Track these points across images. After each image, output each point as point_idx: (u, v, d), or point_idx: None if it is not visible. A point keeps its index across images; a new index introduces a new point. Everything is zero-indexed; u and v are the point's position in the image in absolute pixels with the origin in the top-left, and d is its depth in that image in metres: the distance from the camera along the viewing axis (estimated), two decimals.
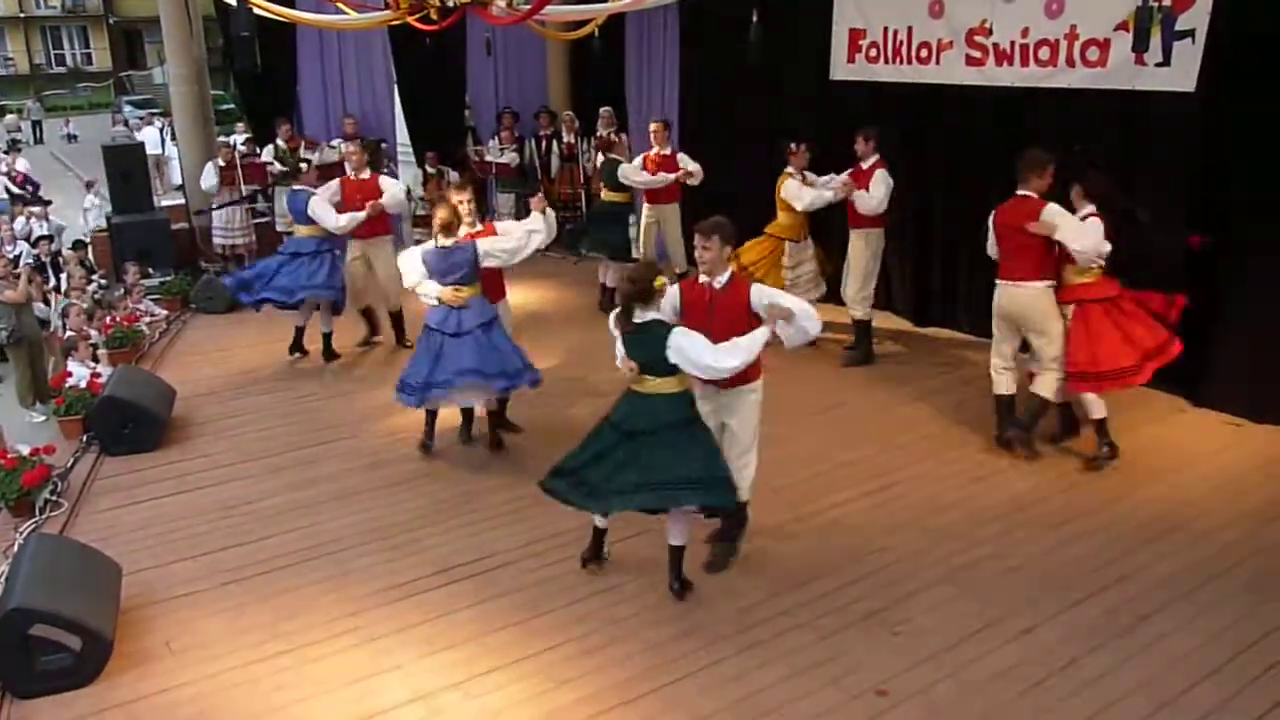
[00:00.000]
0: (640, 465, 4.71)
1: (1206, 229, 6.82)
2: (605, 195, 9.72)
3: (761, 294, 4.94)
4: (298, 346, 8.60)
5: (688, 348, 4.65)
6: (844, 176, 7.98)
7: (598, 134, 10.61)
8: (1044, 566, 5.24)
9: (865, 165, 7.88)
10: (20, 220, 13.93)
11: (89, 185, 16.25)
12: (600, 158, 9.91)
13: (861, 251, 8.03)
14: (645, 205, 9.60)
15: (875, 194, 7.76)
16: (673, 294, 5.10)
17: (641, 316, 4.78)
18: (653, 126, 9.54)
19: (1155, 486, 6.01)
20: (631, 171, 9.29)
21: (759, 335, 4.72)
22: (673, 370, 4.74)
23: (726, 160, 10.09)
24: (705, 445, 4.84)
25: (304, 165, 8.90)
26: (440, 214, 6.23)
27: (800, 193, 7.98)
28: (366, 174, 8.47)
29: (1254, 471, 6.25)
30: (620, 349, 4.91)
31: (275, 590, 5.13)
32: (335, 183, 8.47)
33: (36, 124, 33.80)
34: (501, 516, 5.86)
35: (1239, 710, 4.14)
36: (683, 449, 4.72)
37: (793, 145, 8.15)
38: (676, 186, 9.33)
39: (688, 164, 9.11)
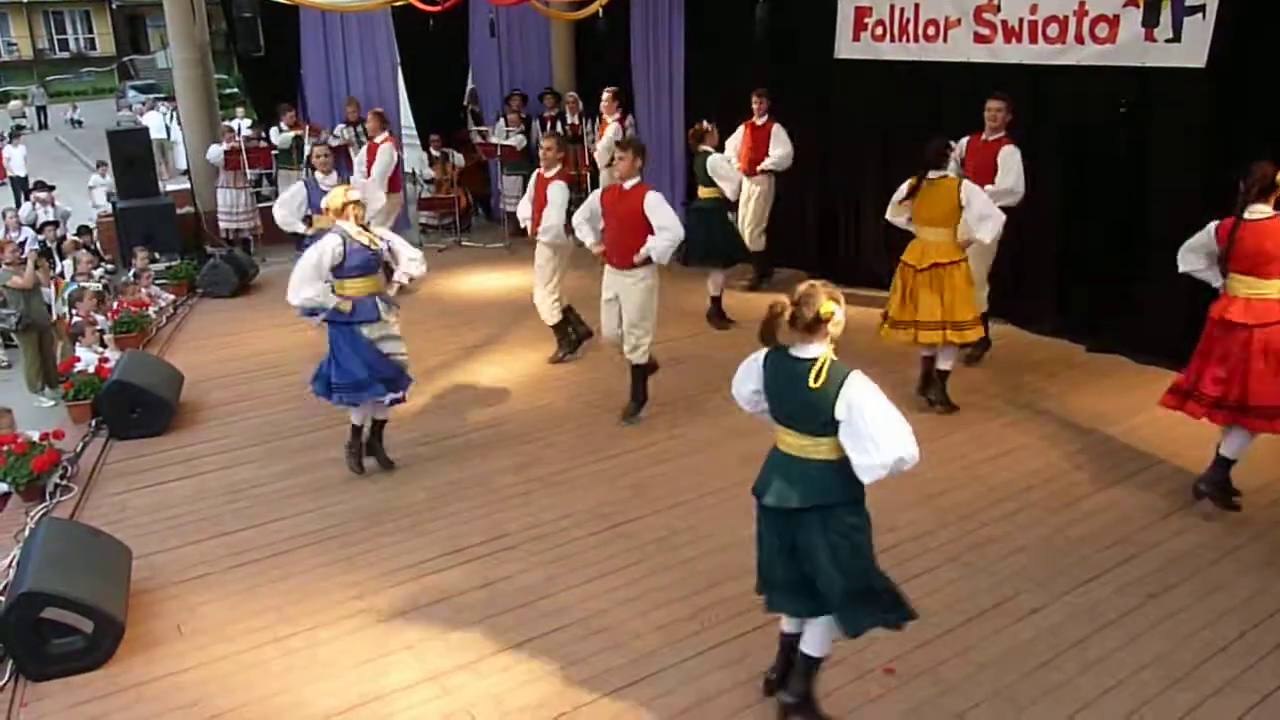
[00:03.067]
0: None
1: (1217, 208, 6.78)
2: (702, 193, 8.63)
3: (652, 204, 6.36)
4: None
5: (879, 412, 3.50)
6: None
7: (602, 115, 10.57)
8: (1053, 545, 5.24)
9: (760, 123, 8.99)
10: (26, 206, 13.95)
11: (99, 165, 16.23)
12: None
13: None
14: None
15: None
16: (594, 198, 6.71)
17: (802, 350, 3.62)
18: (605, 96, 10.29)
19: (1166, 464, 5.99)
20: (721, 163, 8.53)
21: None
22: (833, 430, 3.56)
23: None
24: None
25: (322, 155, 8.49)
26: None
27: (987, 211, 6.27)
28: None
29: (1264, 449, 6.17)
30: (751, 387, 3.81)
31: (285, 572, 5.15)
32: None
33: (41, 109, 33.83)
34: (510, 499, 5.87)
35: (1249, 687, 4.14)
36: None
37: (951, 143, 6.52)
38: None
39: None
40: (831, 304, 3.53)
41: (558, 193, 7.36)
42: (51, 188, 14.39)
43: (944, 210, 6.29)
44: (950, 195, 6.24)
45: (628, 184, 6.48)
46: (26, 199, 15.41)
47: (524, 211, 7.76)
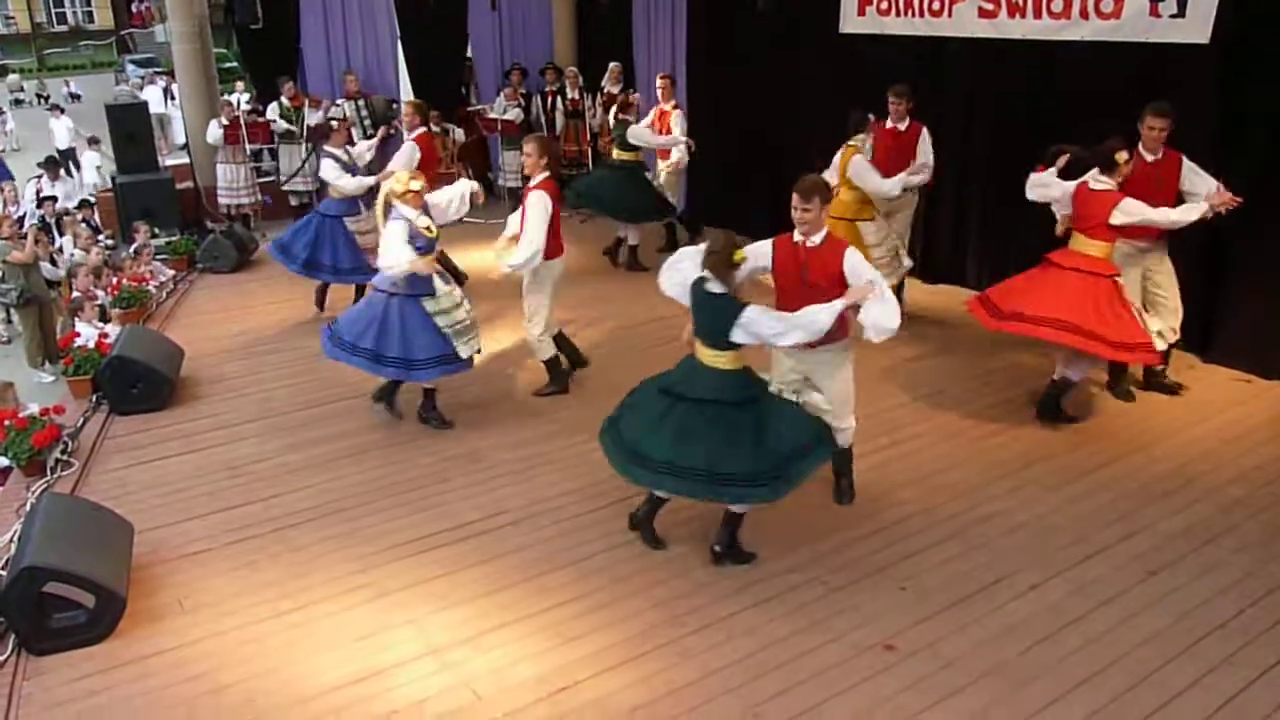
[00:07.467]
0: (695, 442, 4.52)
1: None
2: (616, 154, 9.63)
3: (854, 265, 4.78)
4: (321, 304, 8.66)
5: (754, 321, 4.52)
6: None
7: (604, 90, 10.54)
8: (1052, 522, 5.25)
9: (902, 127, 7.62)
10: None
11: (92, 142, 16.23)
12: (612, 118, 9.85)
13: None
14: (660, 159, 9.89)
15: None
16: (764, 249, 4.96)
17: (715, 288, 4.61)
18: (658, 82, 9.54)
19: (1164, 443, 6.01)
20: (640, 131, 9.38)
21: (822, 316, 4.55)
22: (733, 346, 4.61)
23: (735, 115, 10.03)
24: (754, 433, 4.57)
25: (334, 124, 8.76)
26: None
27: (875, 179, 7.06)
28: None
29: (1264, 428, 6.24)
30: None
31: (286, 548, 5.16)
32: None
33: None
34: (510, 475, 5.88)
35: (1246, 664, 4.16)
36: (734, 435, 4.53)
37: (872, 117, 7.25)
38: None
39: (676, 131, 9.46)
40: (742, 252, 4.61)
41: (536, 204, 6.34)
42: (53, 161, 14.34)
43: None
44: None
45: (814, 240, 4.86)
46: (66, 171, 15.43)
47: (510, 230, 6.72)
